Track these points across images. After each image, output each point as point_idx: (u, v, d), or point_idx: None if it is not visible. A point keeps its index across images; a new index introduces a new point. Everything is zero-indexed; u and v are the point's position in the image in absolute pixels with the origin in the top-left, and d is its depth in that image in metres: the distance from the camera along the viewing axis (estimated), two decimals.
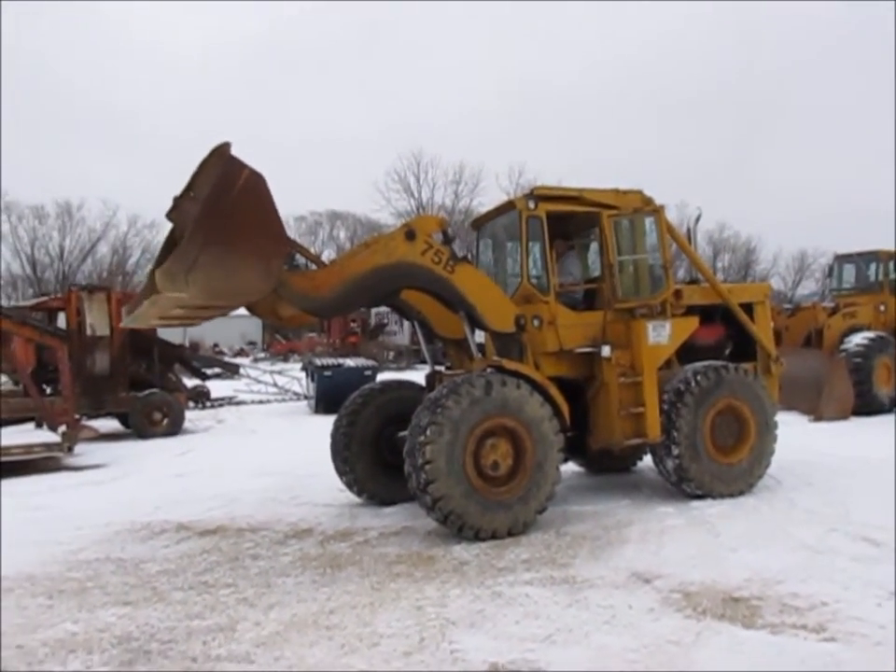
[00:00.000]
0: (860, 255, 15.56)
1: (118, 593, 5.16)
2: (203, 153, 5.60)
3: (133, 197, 70.70)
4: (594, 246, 7.86)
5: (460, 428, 5.92)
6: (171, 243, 6.32)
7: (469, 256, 7.30)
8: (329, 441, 7.70)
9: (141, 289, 6.57)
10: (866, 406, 12.75)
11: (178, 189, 5.91)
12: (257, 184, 5.36)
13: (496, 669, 3.73)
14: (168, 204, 5.98)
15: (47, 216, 56.58)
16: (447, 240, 6.61)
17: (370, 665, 3.85)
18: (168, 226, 6.17)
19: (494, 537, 6.00)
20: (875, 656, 3.65)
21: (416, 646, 4.05)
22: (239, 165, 5.32)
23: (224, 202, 5.26)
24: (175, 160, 75.62)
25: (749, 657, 3.72)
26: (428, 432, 5.86)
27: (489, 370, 6.43)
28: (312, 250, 7.61)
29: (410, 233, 6.33)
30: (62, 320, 14.94)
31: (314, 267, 6.34)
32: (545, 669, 3.71)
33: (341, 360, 18.26)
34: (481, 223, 8.08)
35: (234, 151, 5.37)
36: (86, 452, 11.80)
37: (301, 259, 6.33)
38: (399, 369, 29.14)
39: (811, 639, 3.89)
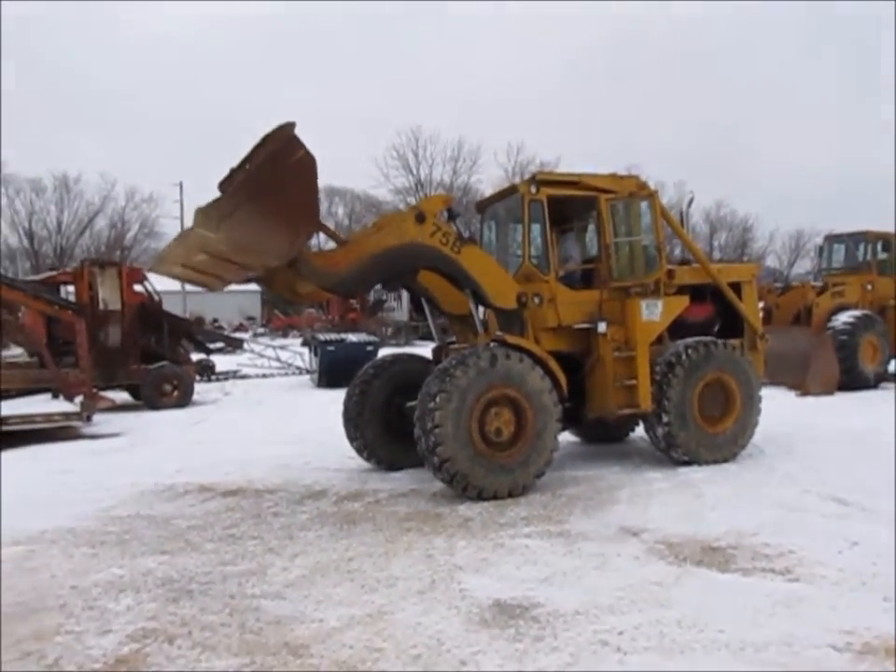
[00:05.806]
0: (849, 235, 16.01)
1: (154, 544, 5.67)
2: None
3: (129, 173, 70.68)
4: (591, 228, 8.29)
5: (467, 396, 6.41)
6: None
7: (473, 236, 7.75)
8: (334, 412, 8.17)
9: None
10: (852, 382, 13.28)
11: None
12: (308, 164, 5.58)
13: (500, 604, 4.25)
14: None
15: (44, 189, 56.60)
16: (451, 216, 7.08)
17: (388, 601, 4.37)
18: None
19: (495, 497, 6.51)
20: (832, 593, 4.19)
21: (428, 586, 4.58)
22: (298, 145, 5.54)
23: (273, 171, 5.50)
24: (175, 136, 75.45)
25: (721, 595, 4.24)
26: (438, 399, 6.35)
27: (493, 344, 6.90)
28: None
29: (420, 216, 6.77)
30: (62, 293, 15.37)
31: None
32: (543, 604, 4.23)
33: (344, 336, 18.64)
34: (485, 206, 8.51)
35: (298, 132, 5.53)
36: (101, 422, 12.26)
37: None
38: (398, 345, 29.59)
39: (777, 580, 4.43)
